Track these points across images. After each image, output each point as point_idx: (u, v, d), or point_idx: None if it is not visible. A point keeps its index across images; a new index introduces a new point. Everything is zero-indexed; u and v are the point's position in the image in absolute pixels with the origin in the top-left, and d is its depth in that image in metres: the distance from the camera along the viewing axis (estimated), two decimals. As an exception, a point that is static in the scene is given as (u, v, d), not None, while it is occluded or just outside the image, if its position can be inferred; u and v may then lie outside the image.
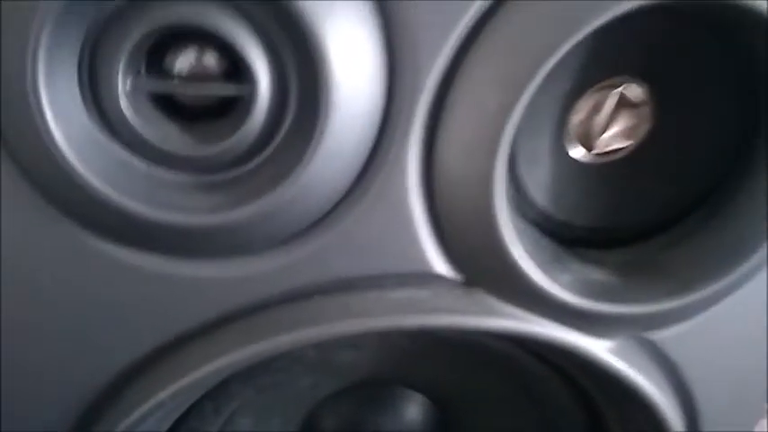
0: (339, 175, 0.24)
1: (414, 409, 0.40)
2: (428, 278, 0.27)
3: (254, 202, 0.23)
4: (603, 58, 0.26)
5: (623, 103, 0.28)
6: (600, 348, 0.28)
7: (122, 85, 0.22)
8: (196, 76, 0.23)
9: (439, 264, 0.27)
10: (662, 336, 0.30)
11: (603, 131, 0.28)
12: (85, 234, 0.25)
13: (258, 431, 0.36)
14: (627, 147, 0.29)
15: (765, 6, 0.24)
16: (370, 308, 0.26)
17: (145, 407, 0.27)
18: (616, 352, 0.29)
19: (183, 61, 0.23)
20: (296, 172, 0.23)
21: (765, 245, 0.27)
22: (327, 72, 0.22)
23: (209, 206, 0.23)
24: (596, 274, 0.28)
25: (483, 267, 0.27)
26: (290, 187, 0.23)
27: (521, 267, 0.26)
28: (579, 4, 0.22)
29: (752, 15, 0.24)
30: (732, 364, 0.31)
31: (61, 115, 0.21)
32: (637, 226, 0.30)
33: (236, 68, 0.22)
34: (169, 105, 0.23)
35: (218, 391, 0.32)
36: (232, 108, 0.23)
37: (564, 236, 0.29)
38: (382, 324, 0.26)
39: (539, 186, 0.29)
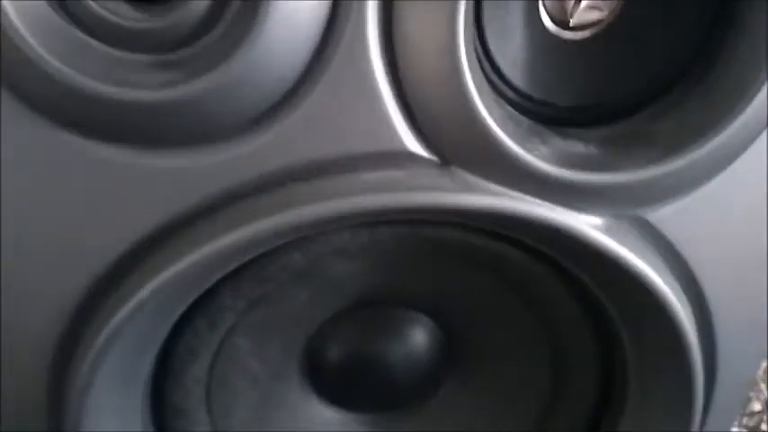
0: (295, 47, 0.24)
1: (420, 332, 0.39)
2: (402, 158, 0.26)
3: (207, 75, 0.23)
4: None
5: (596, -32, 0.27)
6: (585, 224, 0.27)
7: (69, -41, 0.22)
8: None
9: (411, 142, 0.26)
10: (658, 215, 0.29)
11: (576, 4, 0.27)
12: (51, 126, 0.25)
13: (258, 352, 0.36)
14: (603, 20, 0.28)
15: None
16: (343, 190, 0.26)
17: (127, 306, 0.27)
18: (604, 229, 0.28)
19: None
20: (245, 46, 0.23)
21: (756, 102, 0.26)
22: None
23: (164, 82, 0.23)
24: (578, 148, 0.27)
25: (457, 142, 0.26)
26: (242, 59, 0.23)
27: (495, 137, 0.25)
28: None
29: None
30: (735, 244, 0.30)
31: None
32: (621, 101, 0.29)
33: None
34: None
35: (209, 304, 0.32)
36: (182, -19, 0.23)
37: (544, 115, 0.28)
38: (356, 205, 0.26)
39: (514, 64, 0.28)
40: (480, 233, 0.31)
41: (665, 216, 0.29)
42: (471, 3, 0.25)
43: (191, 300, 0.31)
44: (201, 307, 0.32)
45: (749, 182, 0.29)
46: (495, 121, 0.25)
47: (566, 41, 0.28)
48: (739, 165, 0.29)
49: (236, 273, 0.31)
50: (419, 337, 0.39)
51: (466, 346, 0.39)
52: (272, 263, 0.31)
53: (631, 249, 0.28)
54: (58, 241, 0.27)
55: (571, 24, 0.28)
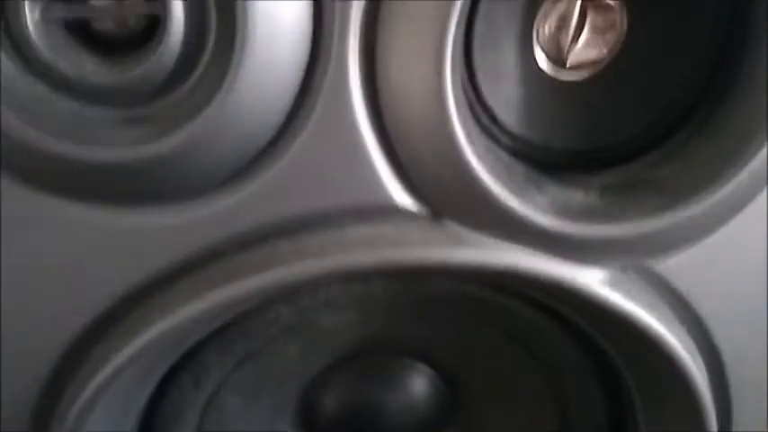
0: (272, 99, 0.22)
1: (419, 380, 0.37)
2: (389, 211, 0.25)
3: (177, 132, 0.21)
4: (562, -44, 0.24)
5: (593, 6, 0.25)
6: (588, 278, 0.26)
7: (31, 14, 0.21)
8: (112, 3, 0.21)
9: (399, 194, 0.25)
10: (665, 265, 0.27)
11: (575, 40, 0.26)
12: (20, 185, 0.23)
13: (248, 411, 0.34)
14: (602, 59, 0.26)
15: None
16: (328, 247, 0.24)
17: (105, 371, 0.25)
18: (609, 283, 0.26)
19: (96, -13, 0.21)
20: (218, 98, 0.21)
21: (762, 153, 0.24)
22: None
23: (133, 140, 0.22)
24: (578, 197, 0.26)
25: (447, 193, 0.24)
26: (214, 115, 0.21)
27: (487, 188, 0.24)
28: None
29: None
30: (747, 292, 0.28)
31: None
32: (621, 146, 0.27)
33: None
34: (87, 36, 0.22)
35: (194, 362, 0.31)
36: (150, 35, 0.22)
37: (542, 160, 0.27)
38: (342, 264, 0.24)
39: (508, 106, 0.26)
40: (478, 284, 0.29)
41: (673, 266, 0.27)
42: (460, 44, 0.24)
43: (174, 359, 0.29)
44: (187, 364, 0.31)
45: (761, 228, 0.27)
46: (486, 170, 0.23)
47: (562, 82, 0.26)
48: (750, 210, 0.27)
49: (222, 329, 0.30)
50: (418, 385, 0.37)
51: (467, 394, 0.37)
52: (258, 318, 0.30)
53: (639, 303, 0.26)
54: (33, 303, 0.26)
55: (568, 65, 0.26)
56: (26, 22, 0.21)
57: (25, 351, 0.26)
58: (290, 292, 0.28)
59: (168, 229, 0.24)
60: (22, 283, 0.25)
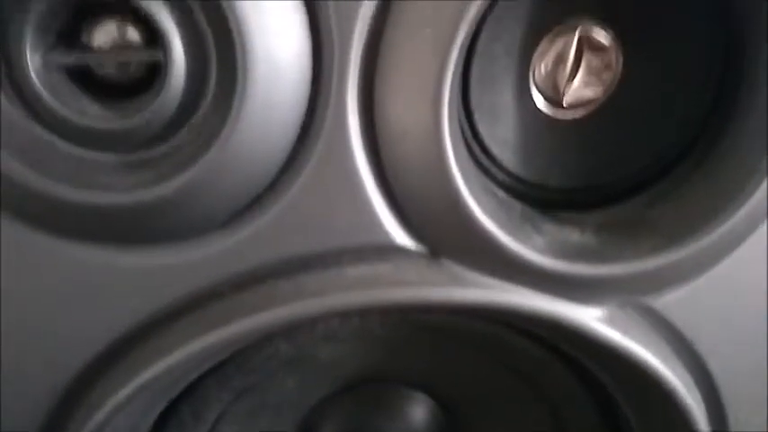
0: (272, 143, 0.23)
1: (418, 409, 0.37)
2: (388, 250, 0.25)
3: (178, 176, 0.22)
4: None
5: (589, 47, 0.26)
6: (586, 316, 0.26)
7: (33, 61, 0.21)
8: (111, 46, 0.22)
9: (398, 233, 0.25)
10: (663, 302, 0.27)
11: (570, 80, 0.26)
12: (21, 226, 0.24)
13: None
14: (598, 98, 0.26)
15: None
16: (327, 287, 0.25)
17: (102, 412, 0.25)
18: (607, 320, 0.26)
19: (98, 34, 0.22)
20: (219, 141, 0.21)
21: (758, 193, 0.24)
22: (243, 34, 0.20)
23: (134, 184, 0.22)
24: (574, 236, 0.26)
25: (445, 233, 0.25)
26: (215, 158, 0.22)
27: (485, 229, 0.24)
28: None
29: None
30: (745, 327, 0.28)
31: (-28, 96, 0.21)
32: (617, 184, 0.27)
33: (153, 39, 0.21)
34: (88, 81, 0.22)
35: (194, 395, 0.31)
36: (151, 80, 0.22)
37: (538, 198, 0.27)
38: (341, 303, 0.24)
39: (505, 145, 0.27)
40: (476, 318, 0.29)
41: (670, 302, 0.27)
42: (457, 84, 0.24)
43: (173, 394, 0.29)
44: (186, 398, 0.31)
45: (757, 262, 0.27)
46: (484, 211, 0.24)
47: (559, 121, 0.27)
48: (746, 245, 0.27)
49: (221, 364, 0.30)
50: (417, 415, 0.37)
51: (467, 424, 0.37)
52: (257, 353, 0.30)
53: (636, 339, 0.26)
54: (33, 342, 0.26)
55: (564, 104, 0.26)
56: (28, 68, 0.21)
57: (26, 389, 0.26)
58: (289, 328, 0.28)
59: (169, 269, 0.24)
60: (24, 322, 0.25)
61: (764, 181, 0.24)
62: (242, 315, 0.25)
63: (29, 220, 0.23)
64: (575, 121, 0.27)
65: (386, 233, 0.25)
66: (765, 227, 0.27)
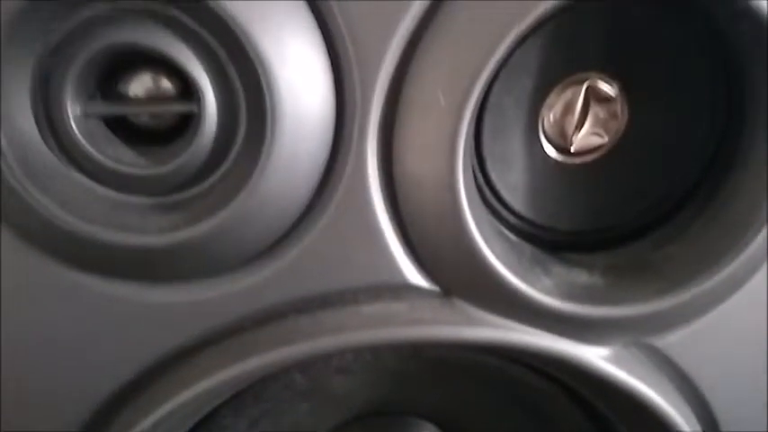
0: (297, 188, 0.24)
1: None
2: (403, 290, 0.26)
3: (209, 219, 0.23)
4: (565, 54, 0.26)
5: (595, 98, 0.27)
6: (593, 356, 0.27)
7: (73, 111, 0.22)
8: (147, 97, 0.23)
9: (412, 274, 0.26)
10: (666, 341, 0.29)
11: (578, 129, 0.27)
12: (53, 263, 0.25)
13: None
14: (605, 145, 0.28)
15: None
16: (344, 324, 0.26)
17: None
18: (612, 359, 0.27)
19: (136, 86, 0.23)
20: (247, 188, 0.23)
21: (759, 238, 0.25)
22: (272, 89, 0.22)
23: (166, 226, 0.23)
24: (582, 278, 0.27)
25: (457, 275, 0.26)
26: (244, 203, 0.23)
27: (496, 271, 0.25)
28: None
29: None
30: (747, 368, 0.29)
31: (16, 144, 0.22)
32: (624, 227, 0.28)
33: (187, 90, 0.23)
34: (125, 129, 0.23)
35: (210, 423, 0.32)
36: (184, 129, 0.23)
37: (547, 240, 0.28)
38: (357, 339, 0.26)
39: (515, 190, 0.28)
40: (485, 353, 0.30)
41: (673, 342, 0.28)
42: (471, 134, 0.25)
43: (192, 423, 0.30)
44: (202, 425, 0.32)
45: (757, 304, 0.28)
46: (495, 254, 0.25)
47: (567, 166, 0.28)
48: (747, 287, 0.28)
49: (238, 394, 0.31)
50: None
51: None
52: (273, 383, 0.31)
53: (641, 378, 0.27)
54: (62, 372, 0.27)
55: (572, 150, 0.28)
56: (68, 118, 0.22)
57: (54, 415, 0.27)
58: (304, 362, 0.29)
59: (194, 305, 0.26)
60: (55, 352, 0.26)
61: (764, 228, 0.26)
62: (263, 350, 0.26)
63: (62, 257, 0.25)
64: (582, 167, 0.28)
65: (401, 273, 0.26)
66: (765, 270, 0.28)
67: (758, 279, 0.28)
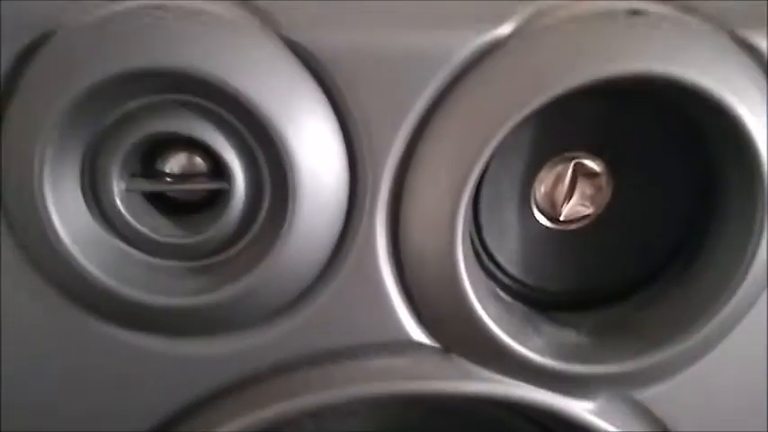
0: (313, 255, 0.27)
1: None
2: (407, 346, 0.29)
3: (235, 283, 0.26)
4: (555, 136, 0.29)
5: (582, 173, 0.30)
6: (580, 409, 0.29)
7: (118, 187, 0.25)
8: (183, 175, 0.26)
9: (415, 332, 0.29)
10: (647, 395, 0.31)
11: (567, 200, 0.30)
12: (88, 318, 0.27)
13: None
14: (591, 215, 0.31)
15: (704, 82, 0.26)
16: (353, 377, 0.28)
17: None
18: (598, 412, 0.30)
19: (172, 163, 0.26)
20: (270, 256, 0.25)
21: (730, 305, 0.28)
22: (294, 169, 0.25)
23: (195, 289, 0.26)
24: (570, 337, 0.30)
25: (456, 334, 0.28)
26: (266, 269, 0.26)
27: (491, 331, 0.28)
28: (514, 92, 0.25)
29: (688, 88, 0.26)
30: (724, 420, 0.32)
31: (65, 216, 0.25)
32: (609, 289, 0.31)
33: (217, 168, 0.26)
34: (161, 201, 0.26)
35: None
36: (215, 202, 0.26)
37: (538, 300, 0.31)
38: (364, 392, 0.28)
39: (510, 256, 0.31)
40: (483, 404, 0.33)
41: (654, 396, 0.31)
42: (469, 209, 0.28)
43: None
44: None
45: (732, 361, 0.31)
46: (490, 316, 0.28)
47: (556, 233, 0.31)
48: (723, 345, 0.31)
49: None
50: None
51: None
52: (285, 427, 0.33)
53: (624, 428, 0.30)
54: (93, 416, 0.29)
55: (561, 219, 0.30)
56: (113, 194, 0.25)
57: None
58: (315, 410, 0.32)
59: (218, 357, 0.28)
60: (87, 398, 0.29)
61: (734, 295, 0.28)
62: (279, 399, 0.28)
63: (100, 313, 0.27)
64: (570, 234, 0.31)
65: (405, 331, 0.28)
66: (741, 328, 0.30)
67: (735, 337, 0.31)
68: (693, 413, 0.32)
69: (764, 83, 0.27)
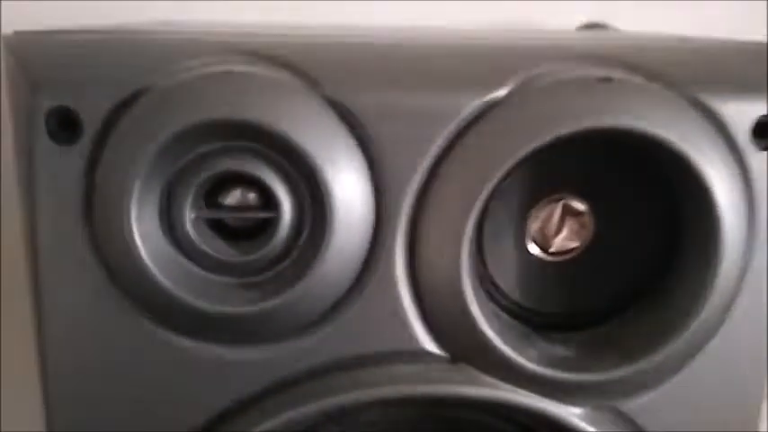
0: (342, 275, 0.32)
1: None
2: (420, 355, 0.34)
3: (279, 296, 0.31)
4: (546, 180, 0.35)
5: (569, 212, 0.35)
6: (569, 414, 0.34)
7: (189, 216, 0.31)
8: (240, 206, 0.32)
9: (428, 343, 0.34)
10: (630, 405, 0.36)
11: (556, 235, 0.36)
12: (157, 327, 0.33)
13: None
14: (578, 247, 0.36)
15: (665, 135, 0.31)
16: (375, 380, 0.33)
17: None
18: (585, 417, 0.34)
19: (231, 197, 0.32)
20: (309, 274, 0.31)
21: (692, 324, 0.33)
22: (331, 202, 0.30)
23: (247, 300, 0.31)
24: (560, 351, 0.34)
25: (465, 346, 0.34)
26: (305, 285, 0.31)
27: (492, 343, 0.33)
28: (508, 143, 0.31)
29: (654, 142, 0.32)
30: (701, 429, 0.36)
31: (145, 238, 0.30)
32: (593, 311, 0.36)
33: (267, 200, 0.32)
34: (221, 228, 0.32)
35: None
36: (264, 228, 0.32)
37: (533, 320, 0.36)
38: (383, 393, 0.33)
39: (508, 280, 0.36)
40: (490, 415, 0.37)
41: (636, 406, 0.35)
42: (474, 238, 0.34)
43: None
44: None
45: (709, 373, 0.35)
46: (493, 330, 0.33)
47: (548, 262, 0.36)
48: (699, 359, 0.35)
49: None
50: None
51: None
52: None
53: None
54: (144, 414, 0.34)
55: (551, 251, 0.36)
56: (186, 222, 0.31)
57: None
58: (339, 414, 0.37)
59: (261, 362, 0.33)
60: (141, 398, 0.34)
61: (700, 314, 0.33)
62: (311, 401, 0.33)
63: (164, 322, 0.33)
64: (560, 263, 0.36)
65: (419, 342, 0.34)
66: (716, 343, 0.35)
67: (710, 351, 0.35)
68: (674, 424, 0.36)
69: (720, 140, 0.33)
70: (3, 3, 0.57)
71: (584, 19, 0.61)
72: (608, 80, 0.31)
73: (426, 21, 0.61)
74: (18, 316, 0.50)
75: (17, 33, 0.33)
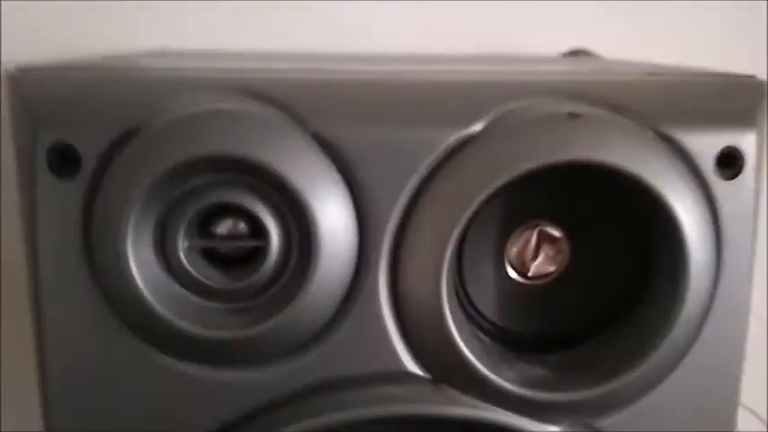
0: (328, 301, 0.34)
1: None
2: (403, 376, 0.35)
3: (268, 321, 0.33)
4: (523, 207, 0.36)
5: (545, 238, 0.37)
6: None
7: (182, 245, 0.33)
8: (230, 235, 0.34)
9: (411, 364, 0.35)
10: (604, 423, 0.37)
11: (533, 259, 0.37)
12: (151, 350, 0.34)
13: None
14: (553, 272, 0.38)
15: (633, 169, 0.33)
16: (360, 401, 0.35)
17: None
18: (561, 436, 0.36)
19: (222, 226, 0.34)
20: (296, 300, 0.33)
21: (663, 345, 0.35)
22: (317, 231, 0.32)
23: (238, 324, 0.33)
24: (537, 371, 0.36)
25: (445, 367, 0.35)
26: (292, 311, 0.33)
27: (472, 365, 0.34)
28: (483, 174, 0.33)
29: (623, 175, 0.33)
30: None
31: (140, 266, 0.32)
32: (568, 333, 0.38)
33: (256, 230, 0.33)
34: (213, 256, 0.34)
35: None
36: (254, 256, 0.33)
37: (511, 341, 0.38)
38: (367, 413, 0.35)
39: (487, 303, 0.38)
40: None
41: (610, 424, 0.37)
42: (454, 263, 0.35)
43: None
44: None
45: (680, 393, 0.37)
46: (472, 352, 0.34)
47: (525, 286, 0.38)
48: (669, 381, 0.37)
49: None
50: None
51: None
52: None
53: (583, 453, 0.36)
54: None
55: (529, 275, 0.38)
56: (179, 250, 0.33)
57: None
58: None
59: (249, 384, 0.35)
60: (139, 415, 0.35)
61: (670, 335, 0.35)
62: (299, 419, 0.35)
63: (158, 345, 0.34)
64: (537, 287, 0.38)
65: (402, 364, 0.35)
66: (686, 362, 0.37)
67: (682, 370, 0.37)
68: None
69: (686, 171, 0.35)
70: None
71: (568, 45, 0.63)
72: (576, 116, 0.33)
73: (419, 41, 0.64)
74: (18, 316, 0.52)
75: (20, 70, 0.35)
